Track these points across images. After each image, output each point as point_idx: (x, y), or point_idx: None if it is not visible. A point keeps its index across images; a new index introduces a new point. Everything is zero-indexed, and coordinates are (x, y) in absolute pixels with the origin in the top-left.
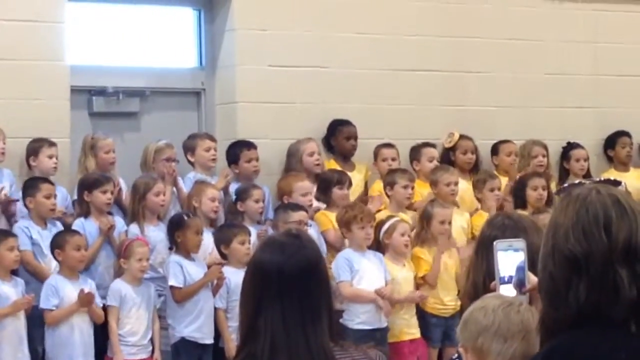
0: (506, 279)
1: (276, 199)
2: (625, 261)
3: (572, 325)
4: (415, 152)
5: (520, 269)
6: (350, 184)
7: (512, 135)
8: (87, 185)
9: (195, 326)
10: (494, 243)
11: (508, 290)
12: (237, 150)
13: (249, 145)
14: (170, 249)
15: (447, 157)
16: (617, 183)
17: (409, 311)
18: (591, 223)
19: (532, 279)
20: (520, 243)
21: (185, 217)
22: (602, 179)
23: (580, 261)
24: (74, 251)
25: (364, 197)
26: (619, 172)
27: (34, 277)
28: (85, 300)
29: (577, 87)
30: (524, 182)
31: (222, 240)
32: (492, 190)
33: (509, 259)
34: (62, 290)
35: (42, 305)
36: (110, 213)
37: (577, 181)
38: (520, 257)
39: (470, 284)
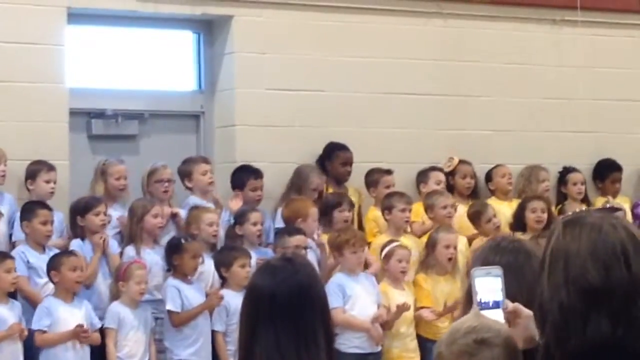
0: (485, 305)
1: (285, 221)
2: None
3: (583, 356)
4: (423, 176)
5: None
6: (353, 205)
7: (509, 160)
8: (79, 210)
9: (193, 349)
10: (471, 271)
11: (489, 315)
12: (244, 177)
13: (256, 175)
14: (168, 270)
15: (447, 182)
16: (616, 210)
17: (409, 335)
18: (610, 255)
19: (508, 303)
20: (497, 270)
21: (183, 241)
22: (602, 206)
23: (600, 294)
24: (70, 272)
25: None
26: (605, 198)
27: (28, 302)
28: (79, 336)
29: (575, 111)
30: (523, 205)
31: (223, 263)
32: (489, 221)
33: (487, 284)
34: (55, 312)
35: (34, 326)
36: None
37: (578, 209)
38: (498, 282)
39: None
